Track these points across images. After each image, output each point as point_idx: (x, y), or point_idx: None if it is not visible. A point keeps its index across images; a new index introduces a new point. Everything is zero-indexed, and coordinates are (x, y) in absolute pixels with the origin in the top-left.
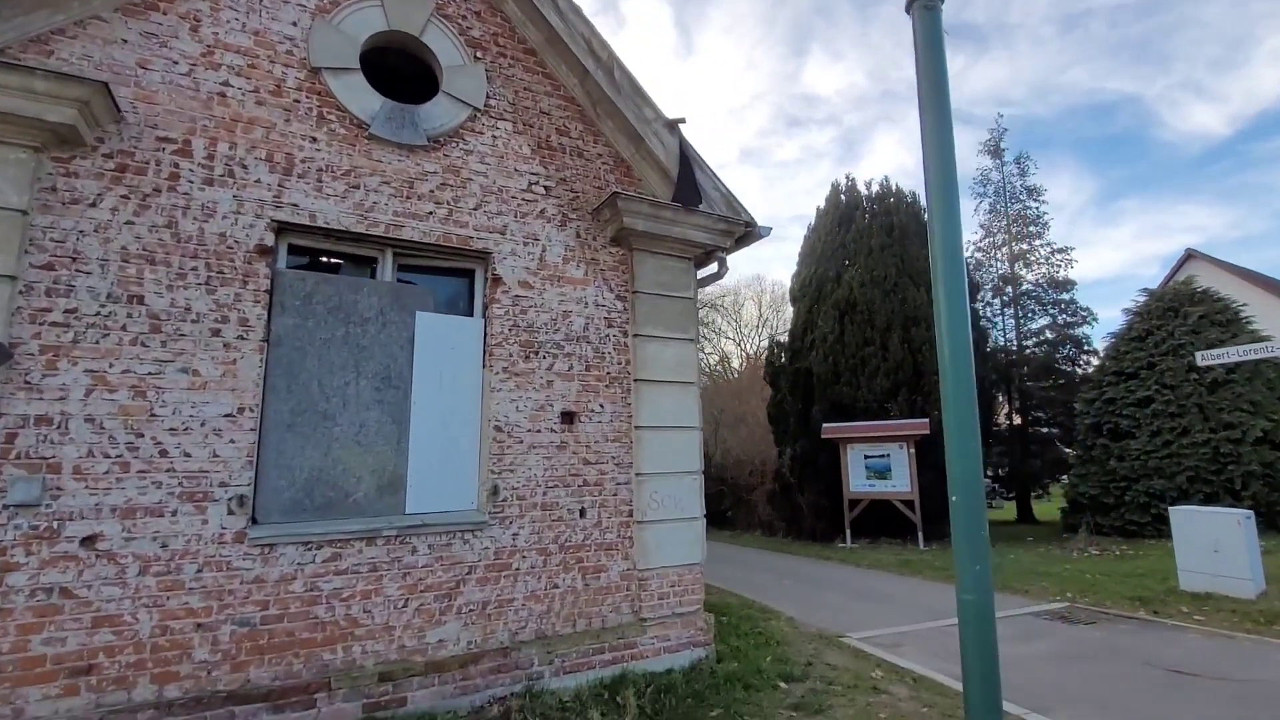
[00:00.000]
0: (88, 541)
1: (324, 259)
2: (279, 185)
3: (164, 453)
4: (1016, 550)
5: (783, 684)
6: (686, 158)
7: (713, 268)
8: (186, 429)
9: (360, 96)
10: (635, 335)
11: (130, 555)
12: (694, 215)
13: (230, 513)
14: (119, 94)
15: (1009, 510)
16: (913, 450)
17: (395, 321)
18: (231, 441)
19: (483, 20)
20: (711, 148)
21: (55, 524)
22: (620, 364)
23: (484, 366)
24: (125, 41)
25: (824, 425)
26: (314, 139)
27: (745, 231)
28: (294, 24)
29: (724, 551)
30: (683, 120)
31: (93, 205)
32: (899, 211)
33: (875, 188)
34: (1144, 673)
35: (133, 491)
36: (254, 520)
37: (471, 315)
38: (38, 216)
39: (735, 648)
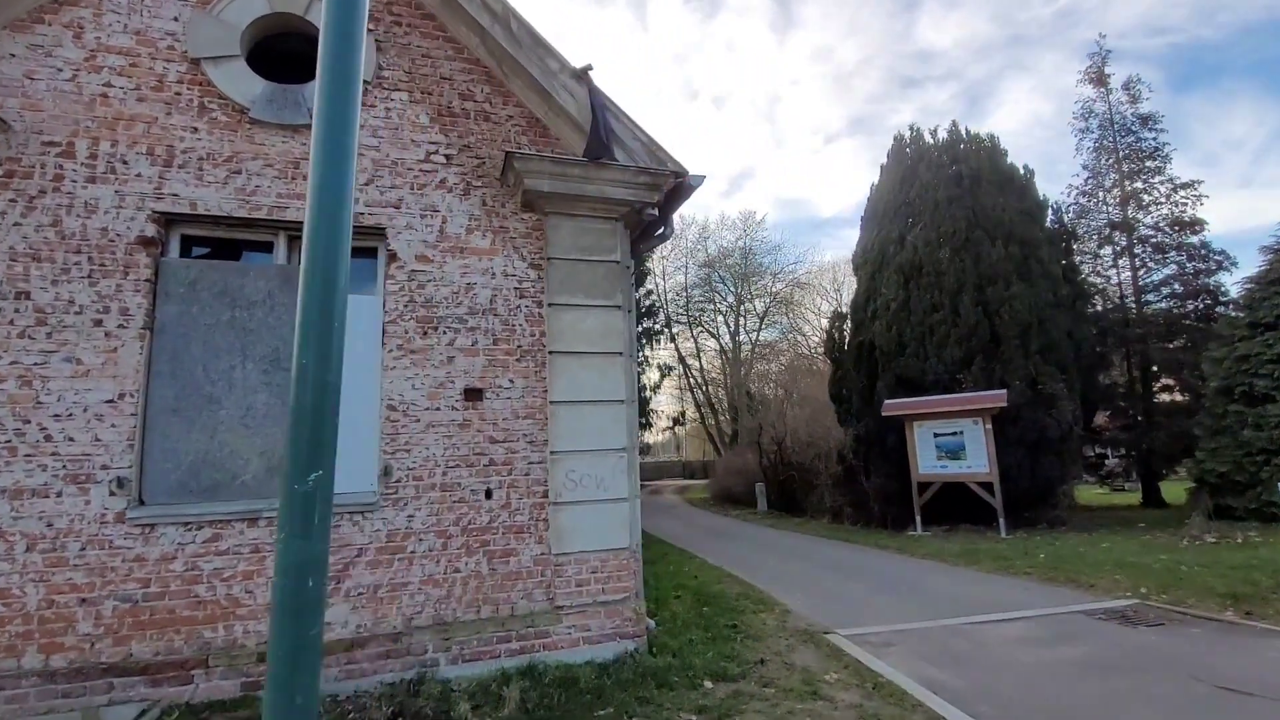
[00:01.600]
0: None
1: (225, 247)
2: (159, 177)
3: (49, 438)
4: (1115, 537)
5: (709, 683)
6: (597, 107)
7: (658, 229)
8: (70, 415)
9: (240, 82)
10: (550, 305)
11: (18, 533)
12: (608, 170)
13: (111, 494)
14: (6, 105)
15: (1134, 494)
16: (989, 426)
17: (285, 304)
18: (113, 426)
19: None
20: (814, 119)
21: None
22: (533, 336)
23: (381, 345)
24: (13, 56)
25: (885, 402)
26: (195, 129)
27: (675, 183)
28: (175, 19)
29: (774, 539)
30: (590, 67)
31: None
32: (969, 158)
33: (942, 134)
34: (1184, 689)
35: (20, 474)
36: (140, 501)
37: (373, 294)
38: None
39: (689, 640)
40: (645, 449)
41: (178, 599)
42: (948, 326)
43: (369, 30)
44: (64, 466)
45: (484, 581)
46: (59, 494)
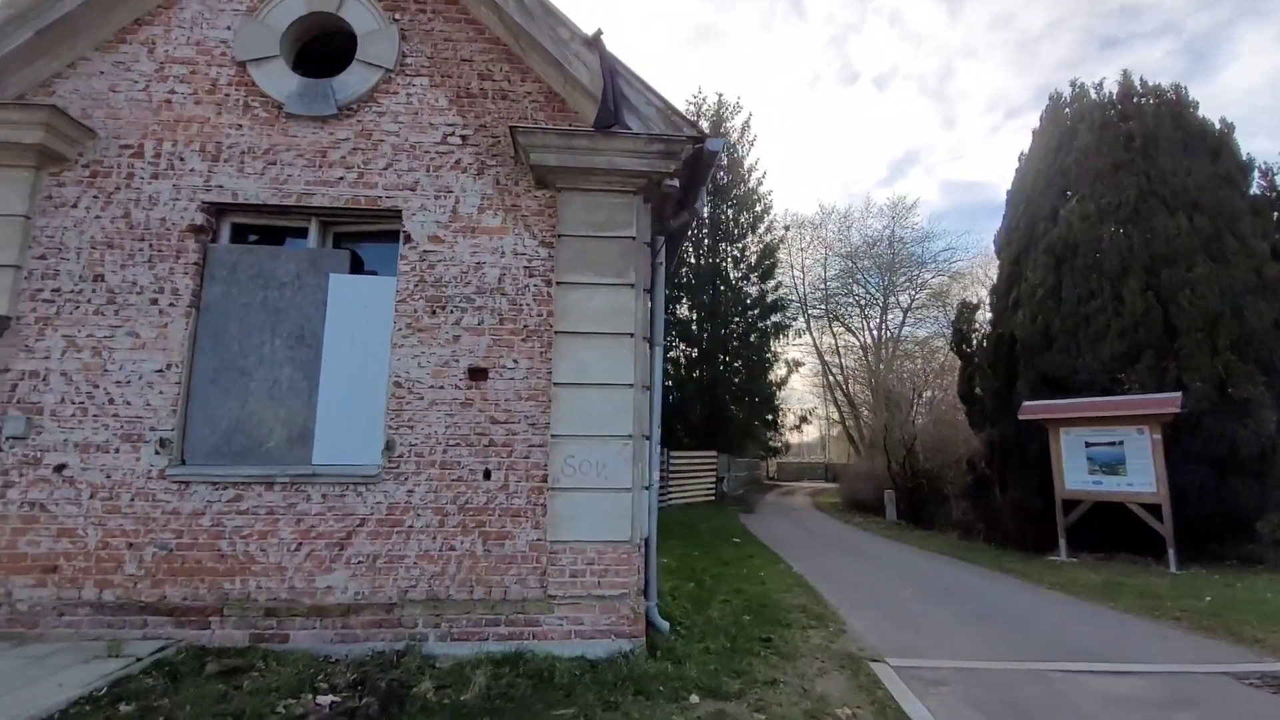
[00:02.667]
0: (58, 469)
1: (270, 233)
2: (209, 171)
3: (111, 401)
4: None
5: (695, 698)
6: (609, 74)
7: (685, 203)
8: (128, 382)
9: (278, 80)
10: (558, 283)
11: (85, 482)
12: (617, 139)
13: (156, 452)
14: (94, 115)
15: None
16: (1158, 436)
17: (310, 285)
18: (160, 393)
19: None
20: (992, 93)
21: (38, 454)
22: (540, 315)
23: (393, 324)
24: (102, 73)
25: (1025, 404)
26: (239, 125)
27: (694, 150)
28: (228, 28)
29: (883, 551)
30: (600, 32)
31: (74, 207)
32: (1144, 114)
33: (1112, 88)
34: None
35: (89, 431)
36: (182, 461)
37: (393, 275)
38: (38, 219)
39: (704, 649)
40: (782, 449)
41: (204, 551)
42: (1107, 316)
43: (394, 19)
44: (121, 426)
45: (478, 562)
46: (116, 450)
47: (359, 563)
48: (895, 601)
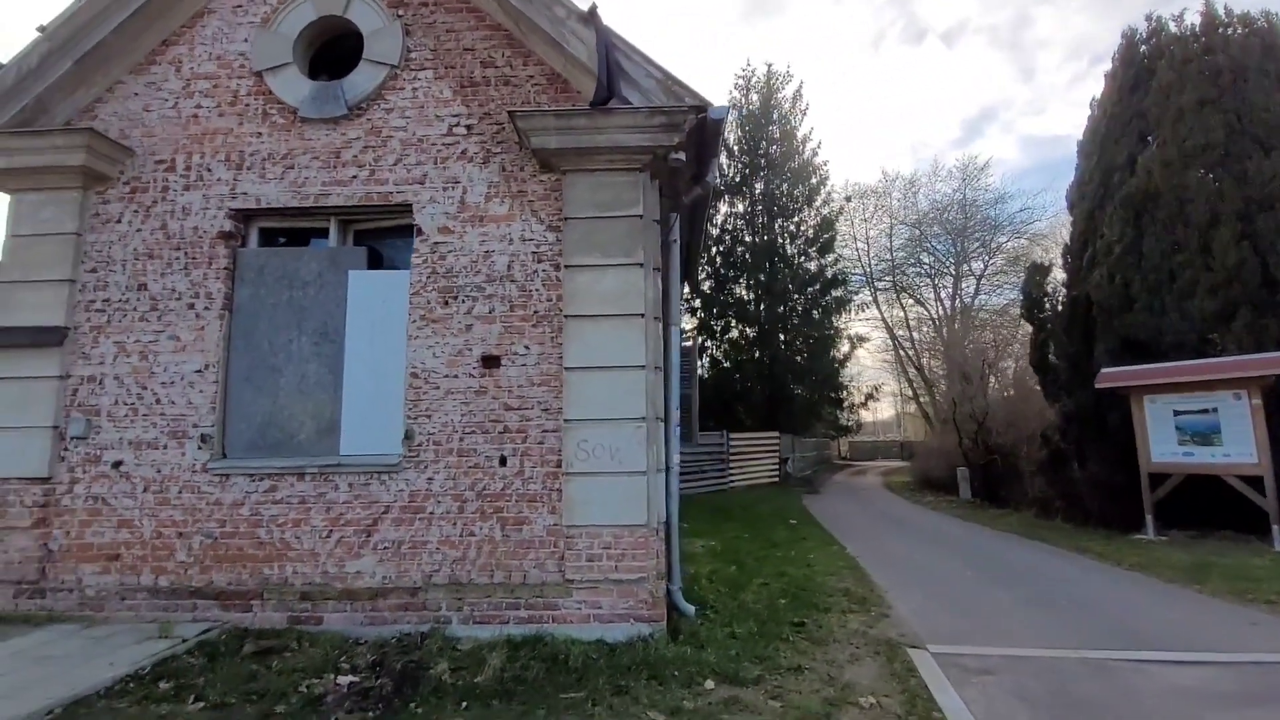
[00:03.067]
0: (116, 465)
1: (296, 235)
2: (234, 179)
3: (158, 400)
4: None
5: (710, 684)
6: (606, 49)
7: (696, 178)
8: (172, 382)
9: (292, 86)
10: (566, 266)
11: (139, 477)
12: (616, 115)
13: (198, 448)
14: (131, 135)
15: None
16: (1258, 401)
17: (331, 282)
18: (200, 391)
19: None
20: (1074, 39)
21: (98, 452)
22: (550, 300)
23: (408, 316)
24: (136, 94)
25: (1103, 371)
26: (259, 134)
27: (698, 119)
28: (245, 40)
29: (949, 532)
30: (595, 7)
31: (118, 222)
32: (1232, 46)
33: (1194, 20)
34: None
35: (140, 429)
36: (224, 455)
37: (406, 269)
38: (88, 235)
39: (730, 634)
40: (853, 427)
41: (244, 539)
42: (1195, 271)
43: (397, 15)
44: (168, 424)
45: (497, 547)
46: (164, 446)
47: (385, 548)
48: (952, 585)
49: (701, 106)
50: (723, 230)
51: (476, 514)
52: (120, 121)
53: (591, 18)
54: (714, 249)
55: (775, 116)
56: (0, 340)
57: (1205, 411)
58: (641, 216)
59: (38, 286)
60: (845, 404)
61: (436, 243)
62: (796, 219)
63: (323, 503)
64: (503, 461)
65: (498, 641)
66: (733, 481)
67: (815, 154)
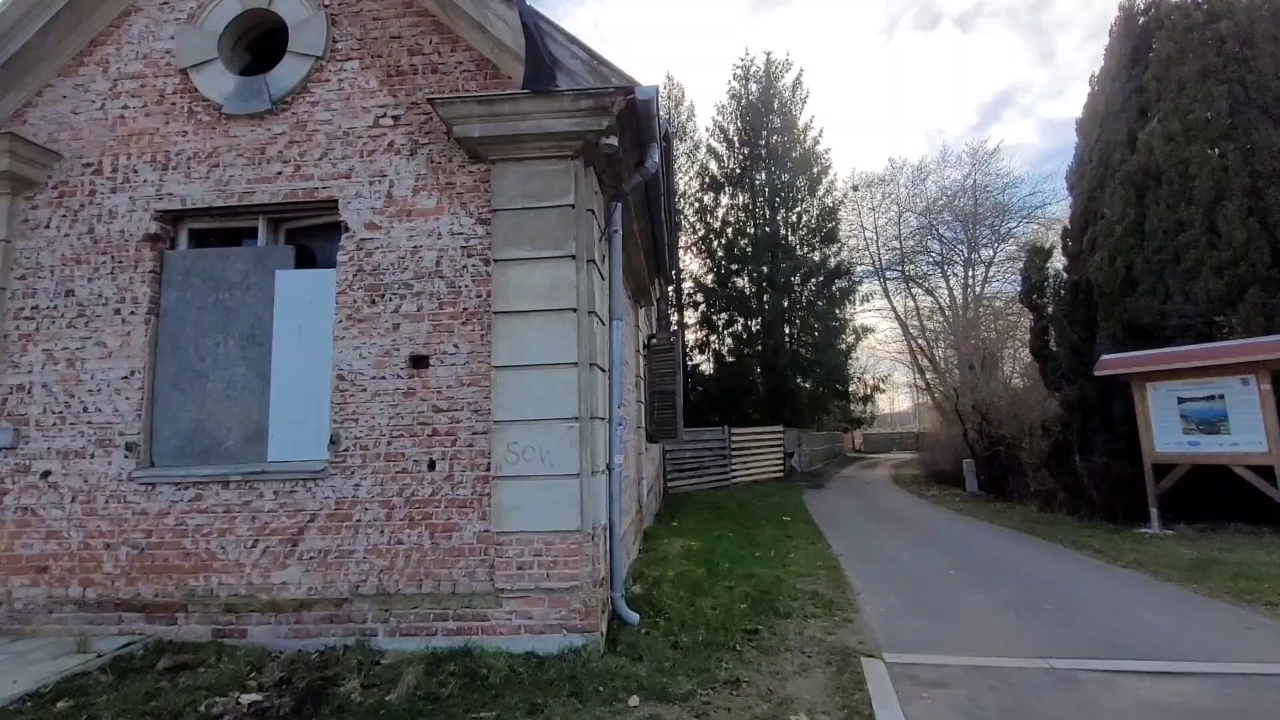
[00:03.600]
0: (44, 475)
1: (226, 235)
2: (160, 180)
3: (85, 409)
4: None
5: (634, 700)
6: (532, 31)
7: (637, 163)
8: (99, 390)
9: (217, 82)
10: (495, 261)
11: (67, 487)
12: (541, 100)
13: (125, 456)
14: (60, 138)
15: None
16: (1267, 386)
17: (258, 283)
18: (126, 398)
19: None
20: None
21: (27, 462)
22: (480, 297)
23: (334, 316)
24: (65, 97)
25: (1103, 357)
26: (185, 132)
27: (626, 101)
28: (170, 37)
29: (944, 527)
30: None
31: (46, 227)
32: (1236, 11)
33: None
34: None
35: (67, 438)
36: (151, 463)
37: (332, 268)
38: (17, 242)
39: (671, 644)
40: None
41: (170, 550)
42: (1200, 250)
43: (323, 5)
44: (95, 432)
45: (425, 555)
46: (91, 455)
47: (311, 558)
48: (932, 585)
49: (628, 87)
50: (723, 223)
51: (405, 521)
52: (49, 125)
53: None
54: (714, 242)
55: (775, 106)
56: None
57: (1211, 399)
58: (573, 206)
59: None
60: (853, 396)
61: (363, 239)
62: (799, 209)
63: (248, 511)
64: (431, 466)
65: (421, 655)
66: (735, 478)
67: (817, 143)
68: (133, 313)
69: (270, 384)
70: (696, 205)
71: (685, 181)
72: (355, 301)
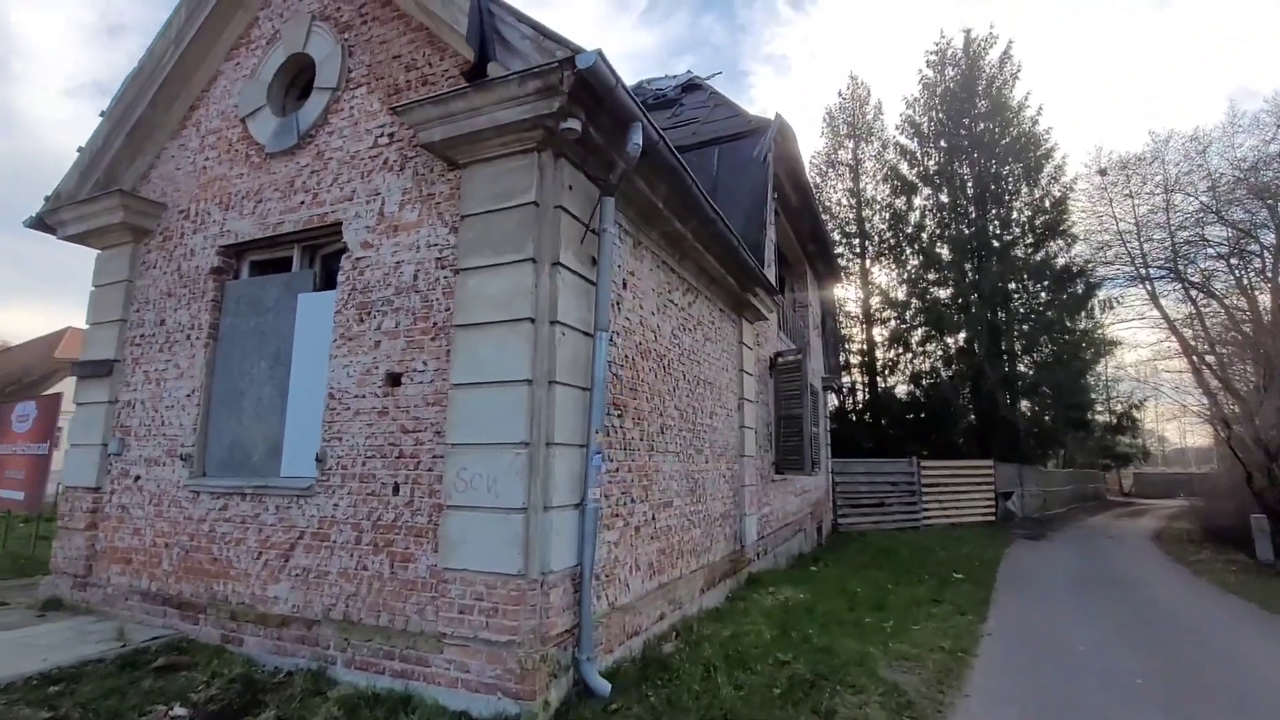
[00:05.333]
0: (136, 479)
1: (278, 265)
2: (223, 219)
3: (163, 423)
4: None
5: None
6: (479, 13)
7: (615, 147)
8: (172, 406)
9: (264, 126)
10: (460, 270)
11: (147, 491)
12: (489, 90)
13: (183, 465)
14: (169, 192)
15: None
16: None
17: (286, 306)
18: (188, 414)
19: (350, 1)
20: None
21: (127, 467)
22: (448, 310)
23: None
24: (173, 157)
25: None
26: (241, 174)
27: (574, 76)
28: (240, 92)
29: (1188, 612)
30: None
31: (154, 268)
32: None
33: None
34: None
35: (151, 448)
36: (204, 473)
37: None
38: (138, 280)
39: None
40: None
41: (203, 554)
42: None
43: (342, 38)
44: (167, 443)
45: (385, 585)
46: (164, 464)
47: (297, 575)
48: (1090, 702)
49: (571, 56)
50: (917, 227)
51: (370, 546)
52: (162, 182)
53: None
54: (907, 249)
55: (980, 88)
56: (77, 372)
57: None
58: (536, 204)
59: (103, 326)
60: (1096, 425)
61: (358, 258)
62: (1013, 203)
63: (256, 524)
64: (396, 490)
65: (361, 694)
66: (927, 518)
67: (1035, 123)
68: (198, 338)
69: (287, 401)
70: (887, 213)
71: (874, 187)
72: (347, 320)
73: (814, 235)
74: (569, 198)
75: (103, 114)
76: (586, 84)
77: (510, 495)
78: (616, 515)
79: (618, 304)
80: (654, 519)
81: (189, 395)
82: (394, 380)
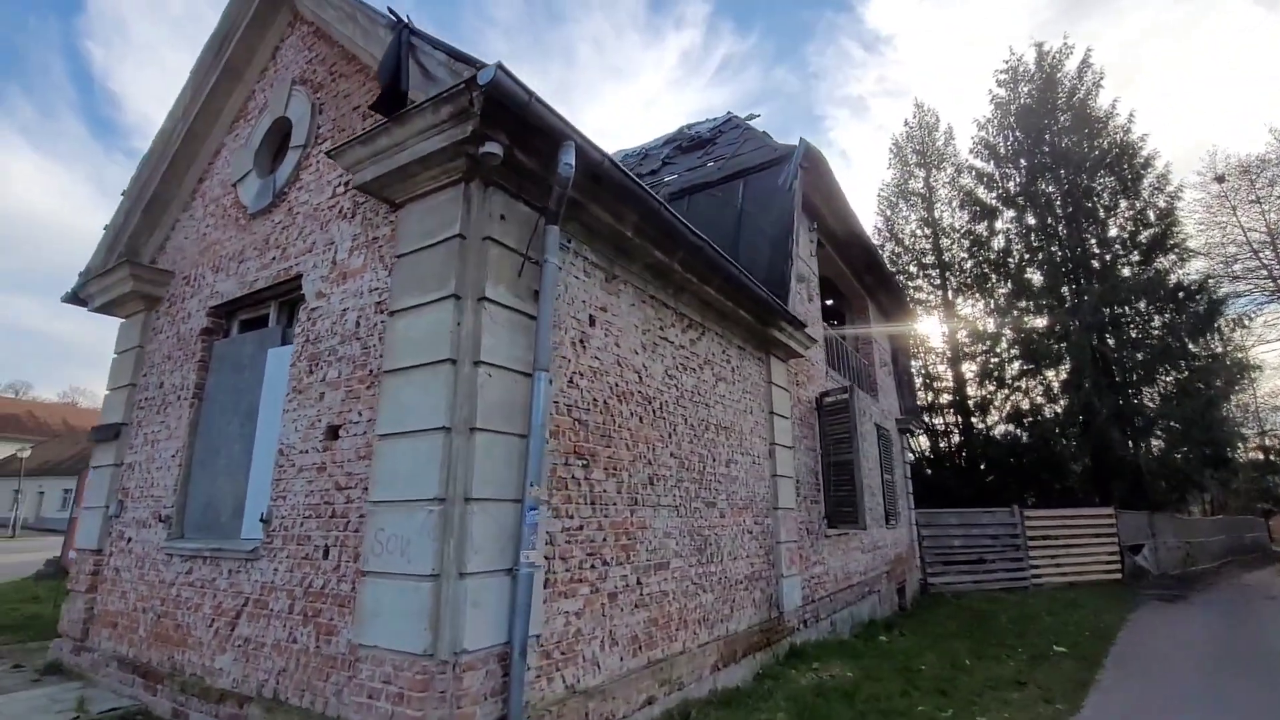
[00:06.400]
0: (128, 541)
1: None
2: (214, 281)
3: (153, 484)
4: None
5: None
6: (399, 45)
7: (550, 171)
8: (160, 467)
9: (250, 188)
10: (390, 313)
11: (135, 553)
12: (408, 122)
13: (163, 527)
14: (178, 260)
15: None
16: None
17: (258, 363)
18: (171, 474)
19: (323, 62)
20: None
21: (122, 529)
22: (382, 356)
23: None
24: (184, 228)
25: None
26: (230, 237)
27: (483, 96)
28: (234, 161)
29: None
30: (393, 11)
31: (160, 333)
32: None
33: None
34: None
35: (141, 509)
36: (182, 535)
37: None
38: (148, 346)
39: None
40: None
41: (169, 620)
42: None
43: (314, 98)
44: (153, 504)
45: (310, 660)
46: (149, 525)
47: (239, 646)
48: None
49: (473, 77)
50: (1002, 253)
51: (301, 616)
52: (174, 252)
53: (395, 24)
54: (992, 278)
55: (1059, 101)
56: (93, 437)
57: None
58: (462, 237)
59: (117, 392)
60: (1239, 464)
61: (313, 309)
62: (1111, 219)
63: (212, 589)
64: (325, 553)
65: None
66: (1038, 576)
67: (1128, 131)
68: (185, 398)
69: (251, 459)
70: (967, 240)
71: (950, 215)
72: (300, 373)
73: (870, 267)
74: (501, 228)
75: (124, 193)
76: (499, 103)
77: (421, 559)
78: (580, 581)
79: (582, 342)
80: (639, 584)
81: (173, 455)
82: (333, 433)
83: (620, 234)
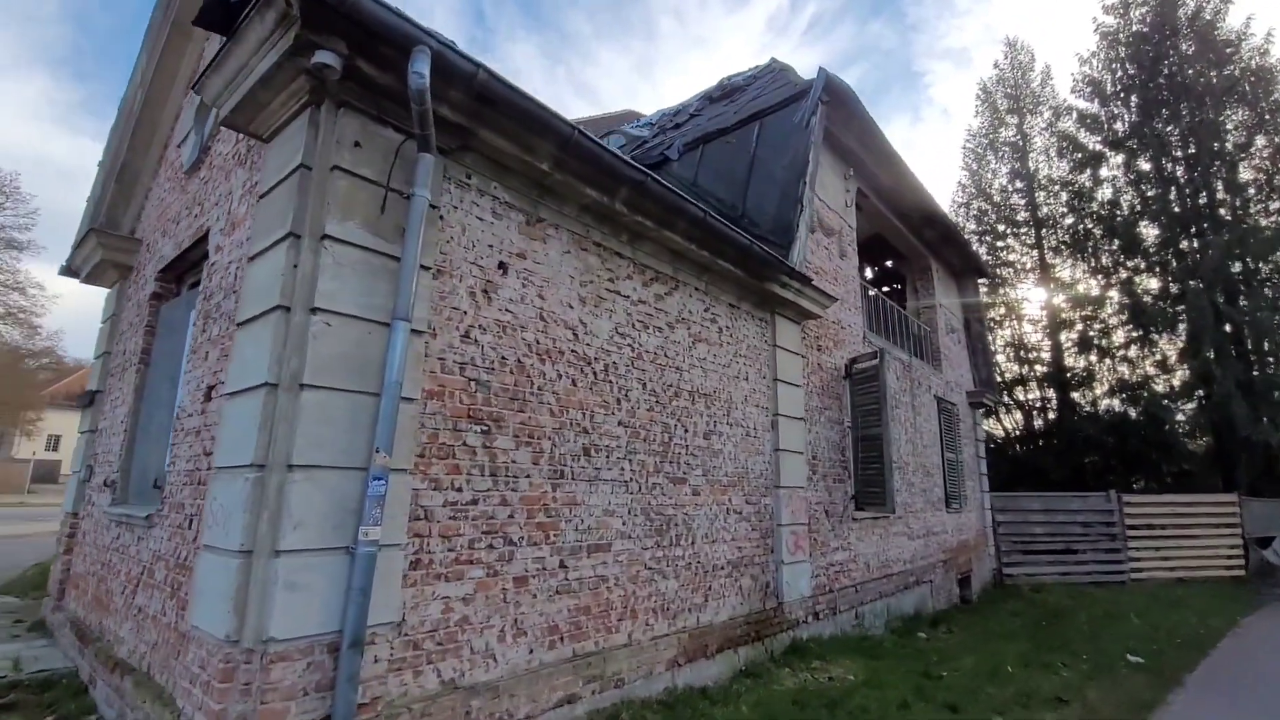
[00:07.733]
0: (91, 505)
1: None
2: (161, 244)
3: (109, 449)
4: None
5: None
6: None
7: (410, 84)
8: (113, 433)
9: (187, 147)
10: (247, 259)
11: (94, 517)
12: (241, 39)
13: (109, 492)
14: (145, 226)
15: None
16: None
17: (184, 325)
18: (118, 439)
19: None
20: None
21: (90, 494)
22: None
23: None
24: (152, 195)
25: None
26: (175, 199)
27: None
28: (181, 123)
29: None
30: None
31: (130, 300)
32: None
33: None
34: None
35: (102, 474)
36: (125, 500)
37: None
38: (121, 315)
39: None
40: None
41: (104, 584)
42: None
43: None
44: (107, 469)
45: (169, 636)
46: (102, 491)
47: (135, 615)
48: None
49: None
50: (1108, 205)
51: (169, 589)
52: (146, 221)
53: None
54: (1096, 232)
55: (1180, 26)
56: (76, 404)
57: None
58: (308, 168)
59: (98, 360)
60: None
61: (211, 264)
62: (1241, 157)
63: (126, 556)
64: (190, 523)
65: None
66: (1139, 570)
67: (1264, 53)
68: (133, 364)
69: (171, 422)
70: (1066, 193)
71: (1047, 164)
72: (196, 332)
73: (929, 220)
74: (353, 157)
75: (99, 164)
76: (320, 1)
77: (233, 534)
78: (470, 562)
79: (486, 292)
80: (563, 567)
81: (121, 421)
82: (208, 395)
83: (536, 168)
